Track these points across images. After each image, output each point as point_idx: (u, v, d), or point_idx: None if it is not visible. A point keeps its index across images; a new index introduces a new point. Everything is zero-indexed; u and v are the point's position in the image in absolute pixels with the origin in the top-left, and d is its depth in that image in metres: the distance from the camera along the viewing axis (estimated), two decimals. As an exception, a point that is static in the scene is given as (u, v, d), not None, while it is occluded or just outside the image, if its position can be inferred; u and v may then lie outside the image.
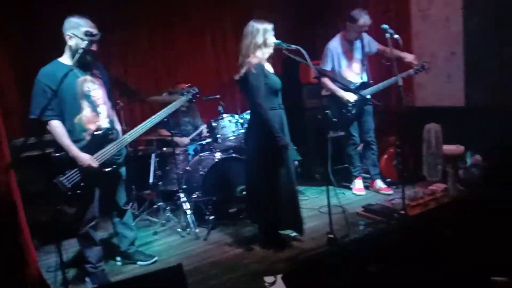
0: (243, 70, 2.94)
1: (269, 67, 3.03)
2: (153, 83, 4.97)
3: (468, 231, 3.00)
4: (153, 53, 4.98)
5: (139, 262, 3.06)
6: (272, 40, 2.96)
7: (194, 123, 4.61)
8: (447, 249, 2.90)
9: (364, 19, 3.85)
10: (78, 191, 2.55)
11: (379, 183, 4.19)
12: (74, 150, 2.55)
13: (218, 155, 3.83)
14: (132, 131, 2.79)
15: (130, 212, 3.07)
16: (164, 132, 4.27)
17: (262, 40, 2.92)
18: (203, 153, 4.00)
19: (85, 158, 2.56)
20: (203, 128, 4.43)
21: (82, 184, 2.56)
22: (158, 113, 2.93)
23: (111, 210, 2.98)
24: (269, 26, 2.95)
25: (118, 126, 2.90)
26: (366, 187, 4.28)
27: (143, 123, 2.84)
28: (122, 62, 4.77)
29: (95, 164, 2.58)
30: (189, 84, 3.40)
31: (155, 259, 3.08)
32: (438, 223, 3.21)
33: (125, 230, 3.03)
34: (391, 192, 4.07)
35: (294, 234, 3.23)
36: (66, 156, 2.54)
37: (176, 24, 5.07)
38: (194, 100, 3.38)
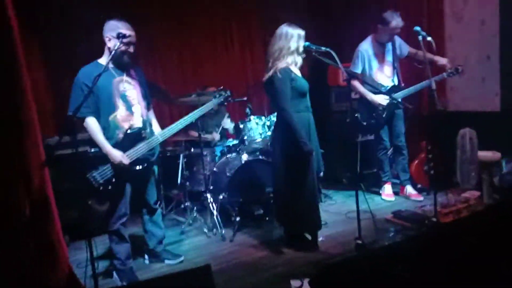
0: (269, 73, 2.95)
1: (296, 70, 3.01)
2: (181, 86, 5.04)
3: (502, 241, 2.89)
4: (180, 55, 5.06)
5: (166, 261, 3.09)
6: (302, 45, 2.96)
7: (222, 125, 4.61)
8: (479, 259, 2.80)
9: (397, 21, 3.78)
10: (109, 187, 2.63)
11: (409, 189, 4.11)
12: (107, 146, 2.63)
13: (244, 157, 3.83)
14: (163, 131, 2.86)
15: (160, 211, 3.12)
16: (193, 133, 4.31)
17: (296, 46, 2.92)
18: (230, 155, 4.01)
19: (117, 155, 2.63)
20: (224, 125, 4.48)
21: (113, 180, 2.63)
22: (189, 115, 2.99)
23: (141, 207, 3.03)
24: (302, 33, 2.95)
25: (155, 126, 2.98)
26: (396, 193, 4.20)
27: (174, 124, 2.90)
28: (150, 64, 4.86)
29: (126, 161, 2.65)
30: (221, 87, 3.41)
31: (181, 258, 3.11)
32: (471, 232, 3.11)
33: (154, 228, 3.07)
34: (421, 198, 3.97)
35: (321, 238, 3.20)
36: (100, 153, 2.63)
37: (202, 26, 5.14)
38: (225, 104, 3.43)
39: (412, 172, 4.23)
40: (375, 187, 4.36)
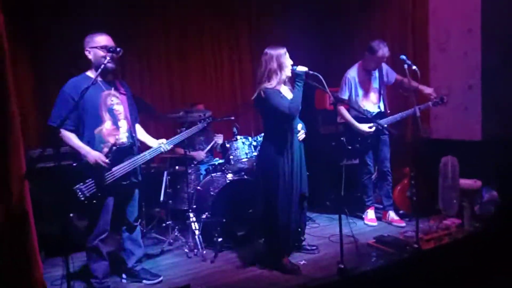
0: (255, 94, 3.03)
1: (286, 92, 3.06)
2: (167, 102, 5.07)
3: (481, 269, 2.92)
4: (168, 71, 5.09)
5: (145, 281, 3.03)
6: (288, 62, 3.02)
7: (209, 142, 4.63)
8: (460, 285, 2.83)
9: (383, 50, 3.87)
10: (94, 201, 2.62)
11: (391, 215, 4.14)
12: (85, 148, 2.64)
13: (229, 176, 3.83)
14: (151, 149, 2.90)
15: (139, 229, 3.08)
16: (179, 150, 4.29)
17: (276, 65, 2.99)
18: (215, 174, 4.00)
19: (95, 155, 2.63)
20: (217, 140, 4.50)
21: (99, 194, 2.63)
22: (176, 136, 3.08)
23: (121, 225, 2.99)
24: (283, 50, 3.03)
25: (147, 139, 3.03)
26: (379, 218, 4.22)
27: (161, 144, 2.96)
28: (136, 79, 4.88)
29: (103, 160, 2.63)
30: (205, 113, 3.61)
31: (160, 278, 3.05)
32: (452, 259, 3.15)
33: (133, 247, 3.03)
34: (403, 224, 4.00)
35: (303, 261, 3.19)
36: (85, 166, 2.63)
37: (191, 43, 5.19)
38: (207, 128, 3.58)
39: (395, 197, 4.27)
40: (358, 211, 4.37)
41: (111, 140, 2.74)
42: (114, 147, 2.73)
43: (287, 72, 3.02)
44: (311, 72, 2.93)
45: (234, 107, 5.31)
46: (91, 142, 2.69)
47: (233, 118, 4.32)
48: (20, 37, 4.00)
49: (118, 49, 2.67)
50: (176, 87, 5.16)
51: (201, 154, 4.39)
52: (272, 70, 2.99)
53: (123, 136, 2.80)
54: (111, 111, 2.76)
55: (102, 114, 2.73)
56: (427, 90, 3.89)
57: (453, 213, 3.84)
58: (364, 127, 3.95)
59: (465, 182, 3.78)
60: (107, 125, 2.74)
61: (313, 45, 5.46)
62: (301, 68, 2.97)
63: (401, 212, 4.24)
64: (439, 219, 3.76)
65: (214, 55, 5.39)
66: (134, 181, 2.86)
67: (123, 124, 2.82)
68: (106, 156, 2.69)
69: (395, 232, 3.70)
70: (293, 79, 3.02)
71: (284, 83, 3.09)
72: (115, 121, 2.77)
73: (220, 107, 5.42)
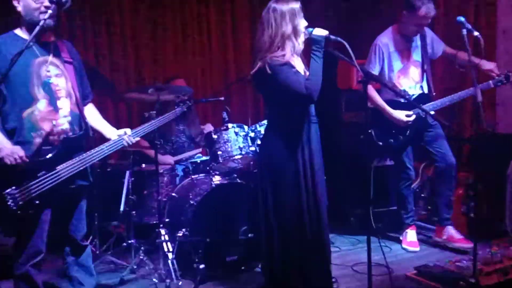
0: (255, 68, 2.94)
1: (299, 64, 3.00)
2: (134, 76, 5.10)
3: None
4: (135, 36, 5.10)
5: (96, 323, 3.02)
6: (303, 24, 2.94)
7: (190, 134, 4.66)
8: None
9: (428, 8, 3.83)
10: (30, 211, 2.59)
11: (451, 232, 4.07)
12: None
13: (217, 179, 3.82)
14: (110, 143, 2.87)
15: (89, 250, 3.04)
16: (144, 142, 4.28)
17: (291, 27, 2.90)
18: (197, 176, 3.99)
19: (7, 149, 2.53)
20: (204, 131, 4.53)
21: (37, 202, 2.60)
22: (143, 126, 3.07)
23: (63, 244, 2.95)
24: (297, 5, 2.93)
25: (103, 126, 3.00)
26: (423, 241, 4.23)
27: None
28: (91, 44, 4.89)
29: (19, 156, 2.53)
30: (185, 91, 3.61)
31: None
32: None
33: (82, 275, 2.98)
34: (470, 245, 3.83)
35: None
36: (22, 166, 2.56)
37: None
38: (187, 113, 3.53)
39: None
40: (394, 231, 4.37)
41: (46, 126, 2.68)
42: (51, 137, 2.67)
43: (302, 39, 2.96)
44: (332, 36, 2.86)
45: (224, 84, 5.32)
46: (18, 129, 2.64)
47: (222, 98, 4.31)
48: None
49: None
50: (146, 56, 5.15)
51: (167, 160, 4.42)
52: (285, 35, 2.89)
53: (63, 121, 2.74)
54: (47, 86, 2.70)
55: (34, 90, 2.66)
56: (487, 65, 3.85)
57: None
58: (401, 114, 3.92)
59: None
60: (41, 105, 2.68)
61: (332, 3, 5.44)
62: (320, 32, 2.89)
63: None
64: (505, 244, 3.73)
65: (200, 14, 5.37)
66: (82, 184, 2.83)
67: (65, 104, 2.76)
68: (39, 150, 2.64)
69: (444, 260, 3.63)
70: (309, 46, 2.95)
71: (297, 54, 3.03)
72: (52, 100, 2.71)
73: (206, 84, 5.44)
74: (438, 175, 4.15)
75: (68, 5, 2.62)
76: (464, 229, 4.17)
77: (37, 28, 2.52)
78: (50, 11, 2.56)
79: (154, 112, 3.36)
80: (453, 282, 3.24)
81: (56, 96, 2.74)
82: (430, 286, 3.33)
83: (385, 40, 4.05)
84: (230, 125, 3.88)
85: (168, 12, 5.22)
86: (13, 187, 2.55)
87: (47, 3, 2.61)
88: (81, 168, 2.75)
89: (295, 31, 2.90)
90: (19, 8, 2.65)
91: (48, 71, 2.72)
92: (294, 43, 2.91)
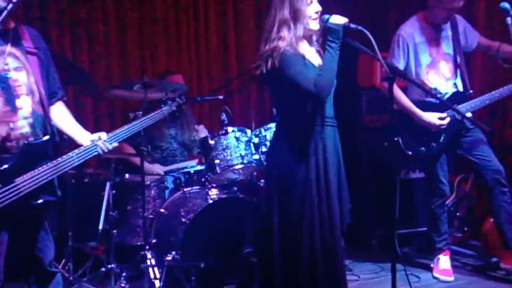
0: (264, 58, 2.99)
1: (314, 57, 3.07)
2: (120, 73, 5.14)
3: None
4: (121, 24, 5.15)
5: None
6: (312, 9, 2.99)
7: (183, 140, 4.69)
8: None
9: None
10: None
11: None
12: None
13: (213, 193, 3.85)
14: (82, 149, 2.80)
15: (59, 277, 2.98)
16: (128, 148, 4.32)
17: (290, 11, 2.96)
18: (190, 189, 4.01)
19: None
20: (199, 135, 4.57)
21: None
22: (123, 128, 2.97)
23: (28, 271, 2.91)
24: None
25: (73, 129, 2.93)
26: (457, 268, 4.24)
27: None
28: (67, 34, 4.91)
29: None
30: (178, 89, 3.55)
31: None
32: None
33: None
34: None
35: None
36: None
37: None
38: (177, 114, 3.47)
39: (488, 235, 4.26)
40: (423, 256, 4.39)
41: (2, 130, 2.64)
42: (8, 143, 2.63)
43: (311, 24, 3.03)
44: (352, 25, 2.88)
45: (224, 81, 5.34)
46: None
47: (221, 97, 4.34)
48: None
49: None
50: (132, 46, 5.19)
51: (154, 169, 4.42)
52: (281, 20, 2.98)
53: (23, 124, 2.70)
54: (3, 82, 2.66)
55: None
56: None
57: None
58: (433, 117, 3.95)
59: None
60: None
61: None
62: (337, 19, 2.92)
63: (494, 260, 4.24)
64: None
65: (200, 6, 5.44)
66: (48, 200, 2.76)
67: (25, 104, 2.71)
68: None
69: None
70: (325, 36, 3.00)
71: (311, 43, 3.10)
72: (10, 98, 2.67)
73: (202, 81, 5.46)
74: (487, 189, 4.08)
75: None
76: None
77: (4, 14, 2.51)
78: None
79: (141, 112, 3.36)
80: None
81: (15, 93, 2.69)
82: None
83: (410, 30, 4.07)
84: (230, 128, 3.91)
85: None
86: None
87: None
88: (46, 180, 2.67)
89: (295, 16, 2.95)
90: None
91: (6, 64, 2.67)
92: (292, 30, 2.95)
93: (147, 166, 4.31)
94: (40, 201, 2.69)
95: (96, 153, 2.82)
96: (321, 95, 2.90)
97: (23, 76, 2.73)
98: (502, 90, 3.88)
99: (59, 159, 2.72)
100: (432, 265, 4.26)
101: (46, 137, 2.72)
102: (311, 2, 2.98)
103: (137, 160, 4.08)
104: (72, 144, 2.89)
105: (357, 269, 4.42)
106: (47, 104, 2.82)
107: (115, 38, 5.15)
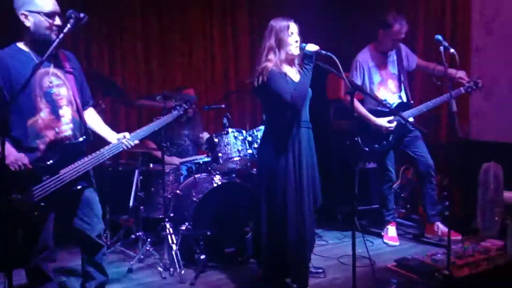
0: (254, 76, 3.03)
1: (291, 72, 3.05)
2: (146, 86, 5.11)
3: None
4: (146, 47, 5.10)
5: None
6: (293, 39, 3.00)
7: (194, 138, 4.68)
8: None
9: (401, 25, 3.94)
10: (36, 213, 2.54)
11: (441, 227, 4.11)
12: (7, 147, 2.41)
13: (217, 178, 3.83)
14: (109, 147, 2.78)
15: (105, 250, 2.93)
16: (151, 144, 4.32)
17: (275, 40, 3.01)
18: (199, 175, 3.99)
19: (12, 157, 2.46)
20: (203, 137, 4.56)
21: (42, 204, 2.54)
22: (142, 129, 2.98)
23: (79, 243, 2.89)
24: (286, 23, 3.02)
25: (103, 129, 2.89)
26: (402, 236, 4.25)
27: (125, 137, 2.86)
28: (105, 55, 4.90)
29: (22, 163, 2.48)
30: (187, 99, 3.55)
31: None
32: (491, 289, 3.15)
33: (95, 272, 2.86)
34: (458, 237, 3.93)
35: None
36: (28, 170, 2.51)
37: (175, 13, 5.21)
38: (183, 119, 3.50)
39: (423, 212, 4.27)
40: (376, 227, 4.40)
41: (50, 134, 2.61)
42: (54, 144, 2.61)
43: (292, 50, 3.01)
44: (323, 52, 2.91)
45: (225, 93, 5.29)
46: (23, 137, 2.56)
47: (223, 106, 4.32)
48: None
49: (81, 14, 2.49)
50: (157, 70, 5.16)
51: (173, 160, 4.42)
52: (269, 47, 3.02)
53: (66, 128, 2.67)
54: (49, 96, 2.61)
55: (37, 100, 2.58)
56: (459, 73, 3.87)
57: (494, 233, 3.82)
58: (383, 121, 3.99)
59: (510, 195, 3.77)
60: (44, 114, 2.60)
61: (324, 18, 5.49)
62: (311, 47, 2.95)
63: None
64: (476, 240, 3.76)
65: (204, 27, 5.39)
66: (84, 186, 2.75)
67: (66, 112, 2.68)
68: (43, 156, 2.58)
69: (421, 254, 3.67)
70: (302, 60, 3.01)
71: (293, 65, 3.09)
72: (54, 108, 2.63)
73: (208, 92, 5.43)
74: (419, 177, 4.19)
75: (85, 20, 2.50)
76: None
77: (51, 47, 2.43)
78: (69, 25, 2.44)
79: (161, 117, 3.31)
80: (429, 274, 3.27)
81: (58, 105, 2.65)
82: (408, 277, 3.35)
83: (365, 56, 4.13)
84: (230, 129, 3.91)
85: (179, 26, 5.24)
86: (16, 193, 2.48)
87: (58, 22, 2.55)
88: (84, 171, 2.66)
89: (279, 44, 3.00)
90: (28, 23, 2.53)
91: (50, 82, 2.63)
92: (277, 55, 3.00)
93: (167, 158, 4.31)
94: (79, 187, 2.70)
95: (121, 149, 2.83)
96: (296, 104, 2.95)
97: (64, 91, 2.70)
98: (435, 100, 3.95)
99: (93, 154, 2.71)
100: (382, 233, 4.31)
101: (82, 138, 2.70)
102: (292, 33, 3.02)
103: (158, 153, 4.11)
104: (103, 142, 2.85)
105: (326, 236, 4.46)
106: (82, 112, 2.80)
107: (143, 60, 5.12)
